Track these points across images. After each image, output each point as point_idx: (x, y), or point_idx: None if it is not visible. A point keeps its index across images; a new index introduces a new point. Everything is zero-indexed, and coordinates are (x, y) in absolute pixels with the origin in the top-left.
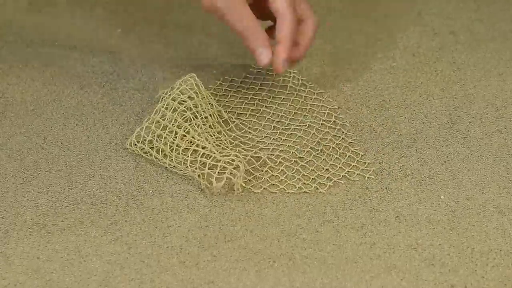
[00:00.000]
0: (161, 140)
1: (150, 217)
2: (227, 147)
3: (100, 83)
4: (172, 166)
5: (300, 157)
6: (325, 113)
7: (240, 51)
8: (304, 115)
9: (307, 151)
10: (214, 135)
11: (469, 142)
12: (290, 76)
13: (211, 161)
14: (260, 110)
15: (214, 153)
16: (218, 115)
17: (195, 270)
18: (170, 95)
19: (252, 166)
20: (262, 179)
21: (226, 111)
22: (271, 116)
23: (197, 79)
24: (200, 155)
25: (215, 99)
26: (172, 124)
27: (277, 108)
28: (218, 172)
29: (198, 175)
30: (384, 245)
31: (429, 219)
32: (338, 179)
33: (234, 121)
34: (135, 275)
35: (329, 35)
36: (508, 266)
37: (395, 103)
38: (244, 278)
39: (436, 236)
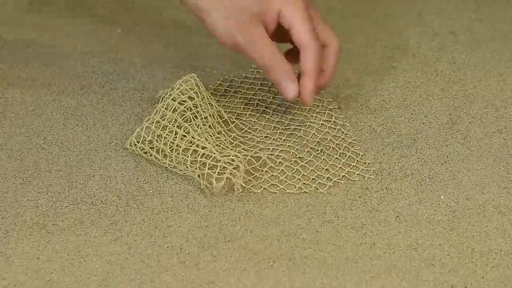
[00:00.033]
0: (161, 140)
1: (150, 217)
2: (227, 147)
3: (100, 83)
4: (172, 166)
5: (300, 157)
6: (325, 113)
7: None
8: (304, 115)
9: (307, 151)
10: (214, 135)
11: (469, 142)
12: None
13: (211, 161)
14: (260, 110)
15: (214, 153)
16: (218, 115)
17: (195, 270)
18: (170, 95)
19: (252, 166)
20: (262, 179)
21: (226, 111)
22: (271, 116)
23: (197, 79)
24: (200, 155)
25: (215, 99)
26: (172, 124)
27: (277, 108)
28: (218, 172)
29: (198, 175)
30: (384, 245)
31: (429, 219)
32: (338, 179)
33: (234, 121)
34: (135, 275)
35: None
36: (508, 266)
37: (395, 103)
38: (244, 278)
39: (436, 236)
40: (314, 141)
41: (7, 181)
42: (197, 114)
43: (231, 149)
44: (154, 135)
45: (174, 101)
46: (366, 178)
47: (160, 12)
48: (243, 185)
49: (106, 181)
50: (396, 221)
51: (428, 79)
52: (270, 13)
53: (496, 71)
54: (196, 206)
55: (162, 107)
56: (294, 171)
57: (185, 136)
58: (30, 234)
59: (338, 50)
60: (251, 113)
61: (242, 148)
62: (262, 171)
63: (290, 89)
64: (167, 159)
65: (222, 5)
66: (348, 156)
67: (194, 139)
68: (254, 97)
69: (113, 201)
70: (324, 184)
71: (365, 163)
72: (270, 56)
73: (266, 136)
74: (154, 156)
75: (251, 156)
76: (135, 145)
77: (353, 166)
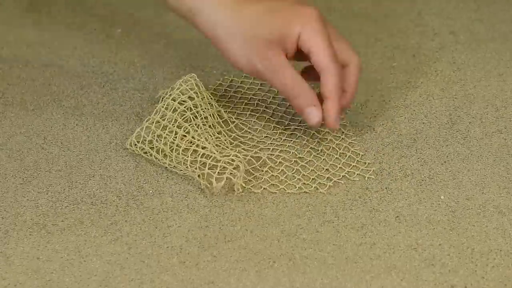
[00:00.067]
0: (161, 140)
1: (150, 217)
2: (227, 147)
3: (100, 83)
4: (172, 166)
5: (300, 157)
6: None
7: None
8: None
9: (307, 151)
10: (214, 135)
11: (469, 142)
12: None
13: (211, 161)
14: (260, 110)
15: (214, 153)
16: (218, 115)
17: (195, 270)
18: (170, 95)
19: (252, 166)
20: (262, 179)
21: (226, 111)
22: (271, 116)
23: (197, 79)
24: (200, 155)
25: (215, 99)
26: (172, 124)
27: (277, 108)
28: (218, 172)
29: (198, 175)
30: (384, 245)
31: (429, 219)
32: (338, 179)
33: (234, 121)
34: (135, 275)
35: None
36: (508, 266)
37: (395, 103)
38: (244, 279)
39: (436, 236)
40: (314, 141)
41: (7, 181)
42: (197, 114)
43: (231, 149)
44: (154, 135)
45: (174, 101)
46: (366, 178)
47: (160, 12)
48: (243, 185)
49: (106, 181)
50: (396, 221)
51: (428, 79)
52: (290, 39)
53: (496, 71)
54: (196, 206)
55: (162, 107)
56: (294, 171)
57: (185, 136)
58: (30, 234)
59: (359, 68)
60: (251, 113)
61: (242, 148)
62: (262, 171)
63: (313, 115)
64: (167, 159)
65: (240, 34)
66: (348, 156)
67: (194, 139)
68: (254, 97)
69: (113, 201)
70: (324, 184)
71: (365, 163)
72: (292, 84)
73: (266, 136)
74: (154, 156)
75: (251, 156)
76: (135, 145)
77: (353, 166)
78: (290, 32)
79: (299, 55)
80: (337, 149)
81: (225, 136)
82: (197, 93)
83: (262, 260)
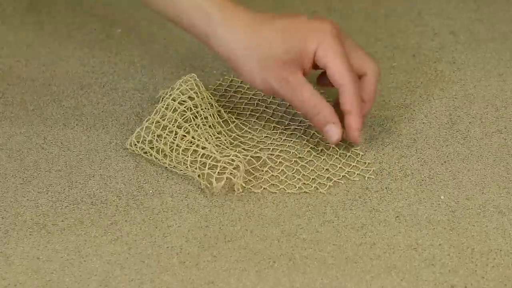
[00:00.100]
0: (161, 140)
1: (150, 217)
2: (227, 147)
3: (100, 83)
4: (172, 166)
5: (300, 157)
6: None
7: None
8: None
9: (307, 151)
10: (214, 135)
11: (469, 142)
12: None
13: (211, 161)
14: (260, 110)
15: (214, 153)
16: (218, 115)
17: (195, 270)
18: (170, 95)
19: (252, 166)
20: (262, 179)
21: (226, 111)
22: (271, 116)
23: (197, 79)
24: (200, 155)
25: (215, 99)
26: (172, 124)
27: (277, 108)
28: (218, 172)
29: (198, 175)
30: (384, 245)
31: (429, 219)
32: (338, 179)
33: (234, 121)
34: (135, 275)
35: None
36: (508, 266)
37: (395, 103)
38: (244, 279)
39: (436, 236)
40: (314, 141)
41: (7, 181)
42: (197, 114)
43: (231, 149)
44: (154, 135)
45: (174, 101)
46: (366, 178)
47: None
48: (243, 185)
49: (106, 181)
50: (396, 221)
51: (428, 79)
52: (307, 56)
53: (496, 71)
54: (196, 206)
55: (162, 107)
56: (294, 171)
57: (185, 136)
58: (30, 234)
59: (377, 77)
60: (251, 113)
61: (242, 148)
62: (262, 171)
63: (333, 133)
64: (167, 159)
65: (256, 55)
66: (348, 156)
67: (194, 139)
68: (254, 97)
69: (113, 201)
70: (324, 184)
71: (365, 163)
72: (310, 103)
73: (266, 136)
74: (154, 156)
75: (251, 156)
76: (135, 145)
77: (353, 166)
78: (306, 50)
79: (316, 66)
80: (337, 149)
81: (225, 136)
82: (197, 93)
83: (262, 260)
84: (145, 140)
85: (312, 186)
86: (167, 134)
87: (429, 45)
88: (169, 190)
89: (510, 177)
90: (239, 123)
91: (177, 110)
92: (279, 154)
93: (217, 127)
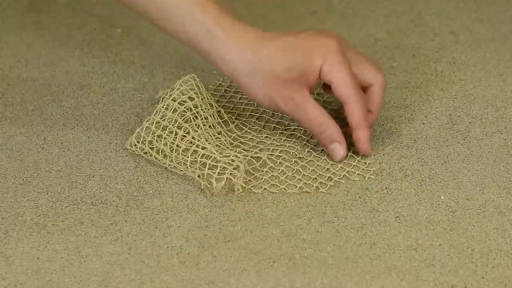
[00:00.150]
0: (161, 141)
1: (150, 218)
2: (227, 147)
3: (100, 84)
4: (172, 166)
5: (300, 157)
6: None
7: None
8: None
9: (307, 151)
10: (214, 136)
11: (469, 142)
12: None
13: (211, 161)
14: (260, 110)
15: (214, 153)
16: (218, 115)
17: (195, 270)
18: (170, 95)
19: (252, 167)
20: (263, 180)
21: (226, 111)
22: (271, 117)
23: (197, 79)
24: (200, 156)
25: (215, 100)
26: (172, 125)
27: None
28: (218, 172)
29: (198, 176)
30: (384, 245)
31: (429, 220)
32: (339, 178)
33: (234, 122)
34: (135, 276)
35: None
36: (508, 266)
37: (395, 103)
38: (244, 279)
39: (436, 237)
40: (314, 141)
41: (7, 181)
42: (197, 115)
43: (231, 150)
44: (154, 136)
45: (174, 101)
46: (366, 178)
47: None
48: (243, 185)
49: (106, 181)
50: (396, 221)
51: (428, 79)
52: (312, 73)
53: (496, 71)
54: (196, 206)
55: (162, 107)
56: (294, 171)
57: (185, 136)
58: (30, 234)
59: (383, 88)
60: (251, 113)
61: (242, 149)
62: (263, 171)
63: (337, 151)
64: (167, 160)
65: (260, 74)
66: (349, 156)
67: (194, 139)
68: None
69: (113, 201)
70: (325, 183)
71: (365, 163)
72: (316, 121)
73: (266, 137)
74: (154, 156)
75: (251, 157)
76: (135, 145)
77: (353, 166)
78: (311, 67)
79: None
80: None
81: (225, 137)
82: (197, 93)
83: (262, 260)
84: (145, 141)
85: (313, 186)
86: (167, 135)
87: (429, 45)
88: (169, 190)
89: (510, 177)
90: (239, 124)
91: (177, 111)
92: (279, 154)
93: (217, 128)
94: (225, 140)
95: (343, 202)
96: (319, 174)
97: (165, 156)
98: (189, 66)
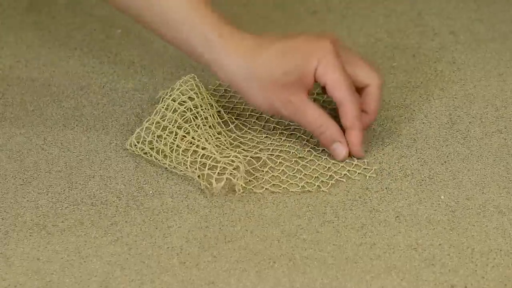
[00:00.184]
0: (161, 141)
1: (150, 218)
2: (227, 147)
3: (100, 84)
4: (172, 166)
5: (300, 157)
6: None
7: None
8: None
9: (307, 151)
10: (214, 136)
11: (469, 142)
12: None
13: (211, 161)
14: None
15: (214, 153)
16: (218, 115)
17: (195, 270)
18: (170, 95)
19: (252, 167)
20: (263, 180)
21: (226, 111)
22: (271, 117)
23: (197, 79)
24: (200, 156)
25: (215, 100)
26: (172, 125)
27: None
28: (218, 172)
29: (198, 176)
30: (384, 245)
31: (429, 219)
32: (339, 177)
33: (234, 122)
34: (136, 276)
35: None
36: (508, 266)
37: (395, 103)
38: (244, 279)
39: (436, 236)
40: (315, 141)
41: (7, 182)
42: (197, 115)
43: (231, 150)
44: (154, 136)
45: (174, 101)
46: (367, 178)
47: None
48: (243, 185)
49: (106, 181)
50: (396, 221)
51: (428, 79)
52: (308, 75)
53: (496, 71)
54: (196, 207)
55: (162, 107)
56: (294, 171)
57: (185, 136)
58: (30, 235)
59: (379, 89)
60: (251, 113)
61: (242, 149)
62: (263, 171)
63: (339, 151)
64: (167, 160)
65: (258, 80)
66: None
67: (194, 139)
68: None
69: (113, 201)
70: (326, 182)
71: (366, 162)
72: (316, 123)
73: (266, 137)
74: (154, 156)
75: (251, 157)
76: (135, 145)
77: (354, 165)
78: (307, 69)
79: None
80: None
81: (225, 137)
82: (197, 93)
83: (262, 261)
84: (145, 141)
85: (314, 185)
86: (167, 135)
87: (429, 45)
88: (169, 190)
89: (510, 177)
90: (239, 124)
91: (177, 111)
92: (279, 154)
93: (217, 128)
94: (225, 140)
95: (343, 202)
96: (320, 173)
97: (165, 156)
98: (189, 66)
